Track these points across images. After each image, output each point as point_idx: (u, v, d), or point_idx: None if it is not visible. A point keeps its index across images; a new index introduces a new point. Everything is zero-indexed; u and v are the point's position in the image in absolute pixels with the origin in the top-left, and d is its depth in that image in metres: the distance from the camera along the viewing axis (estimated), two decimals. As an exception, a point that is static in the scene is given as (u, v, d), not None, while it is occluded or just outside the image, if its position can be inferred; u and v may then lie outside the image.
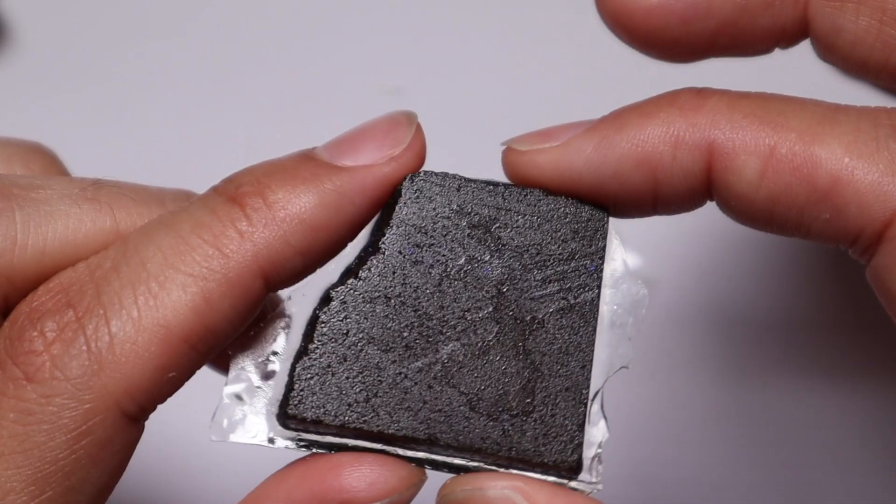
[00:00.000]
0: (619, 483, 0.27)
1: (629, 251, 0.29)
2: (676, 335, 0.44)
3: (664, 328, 0.44)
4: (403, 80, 0.50)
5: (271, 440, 0.27)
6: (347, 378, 0.27)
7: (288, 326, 0.27)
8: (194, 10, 0.52)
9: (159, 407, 0.26)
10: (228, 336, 0.27)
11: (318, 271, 0.27)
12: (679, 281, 0.45)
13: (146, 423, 0.26)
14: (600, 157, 0.27)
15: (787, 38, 0.29)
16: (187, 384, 0.26)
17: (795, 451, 0.42)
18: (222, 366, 0.34)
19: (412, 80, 0.50)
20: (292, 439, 0.27)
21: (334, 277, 0.27)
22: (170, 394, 0.26)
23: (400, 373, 0.27)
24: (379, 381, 0.27)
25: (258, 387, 0.27)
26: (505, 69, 0.50)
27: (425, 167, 0.28)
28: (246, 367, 0.27)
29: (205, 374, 0.32)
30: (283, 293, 0.28)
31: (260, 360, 0.27)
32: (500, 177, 0.28)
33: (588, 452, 0.27)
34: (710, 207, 0.28)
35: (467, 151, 0.46)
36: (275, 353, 0.27)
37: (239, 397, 0.27)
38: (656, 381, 0.43)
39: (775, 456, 0.42)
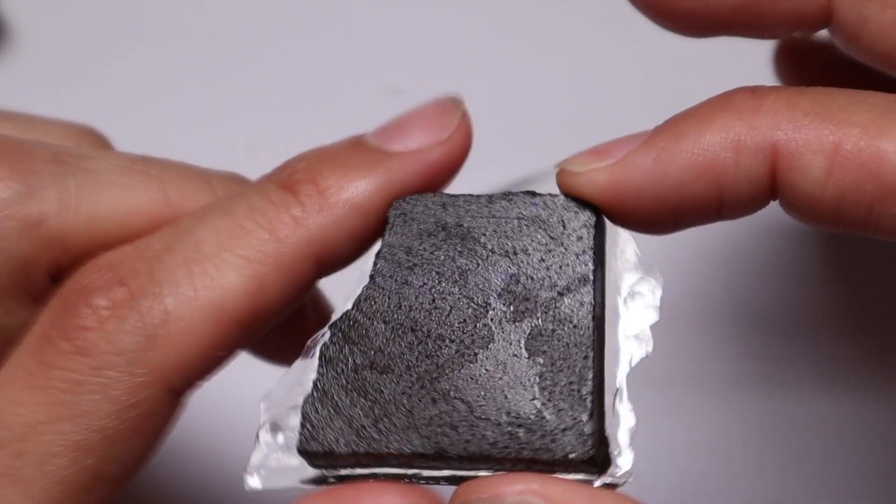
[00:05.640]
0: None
1: (635, 242, 0.28)
2: (692, 334, 0.44)
3: (679, 328, 0.44)
4: (403, 80, 0.50)
5: (304, 481, 0.27)
6: (353, 406, 0.27)
7: (313, 369, 0.27)
8: (194, 10, 0.52)
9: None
10: (276, 318, 0.27)
11: (336, 315, 0.28)
12: (693, 280, 0.45)
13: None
14: (661, 170, 0.26)
15: (807, 24, 0.29)
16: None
17: (816, 450, 0.42)
18: (255, 348, 0.34)
19: (412, 80, 0.50)
20: (323, 477, 0.27)
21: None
22: (214, 372, 0.27)
23: (404, 393, 0.27)
24: (384, 403, 0.27)
25: (289, 430, 0.27)
26: (506, 69, 0.50)
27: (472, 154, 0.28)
28: (277, 412, 0.27)
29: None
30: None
31: (289, 404, 0.27)
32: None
33: (615, 445, 0.26)
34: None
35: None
36: (301, 396, 0.27)
37: (270, 443, 0.27)
38: (675, 381, 0.43)
39: (793, 454, 0.42)
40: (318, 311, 0.34)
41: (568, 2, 0.51)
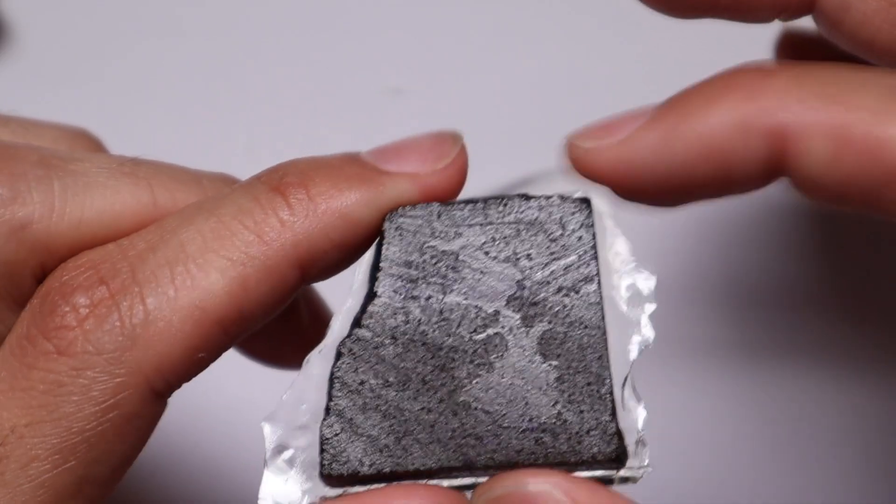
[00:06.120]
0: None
1: (625, 237, 0.28)
2: (688, 320, 0.44)
3: (675, 314, 0.44)
4: (403, 80, 0.50)
5: (323, 499, 0.27)
6: (373, 426, 0.27)
7: (315, 387, 0.27)
8: (194, 10, 0.52)
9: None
10: (259, 321, 0.27)
11: (334, 331, 0.27)
12: (690, 266, 0.45)
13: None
14: (667, 149, 0.26)
15: (791, 9, 0.29)
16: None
17: (813, 435, 0.42)
18: (249, 350, 0.34)
19: (412, 80, 0.50)
20: (342, 497, 0.27)
21: (346, 332, 0.27)
22: (196, 373, 0.27)
23: (423, 408, 0.27)
24: (404, 420, 0.27)
25: (298, 451, 0.27)
26: (506, 69, 0.50)
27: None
28: (283, 434, 0.27)
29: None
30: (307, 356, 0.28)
31: (295, 424, 0.27)
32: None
33: (630, 438, 0.27)
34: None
35: (468, 151, 0.46)
36: (307, 416, 0.27)
37: (280, 466, 0.27)
38: (675, 366, 0.43)
39: (790, 439, 0.43)
40: (312, 311, 0.34)
41: (568, 2, 0.51)
